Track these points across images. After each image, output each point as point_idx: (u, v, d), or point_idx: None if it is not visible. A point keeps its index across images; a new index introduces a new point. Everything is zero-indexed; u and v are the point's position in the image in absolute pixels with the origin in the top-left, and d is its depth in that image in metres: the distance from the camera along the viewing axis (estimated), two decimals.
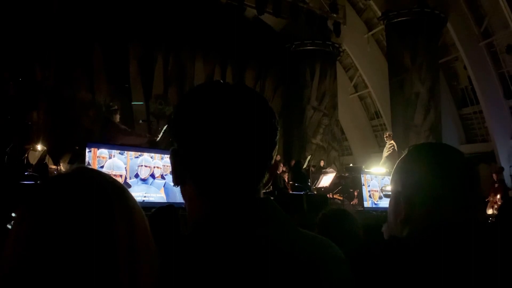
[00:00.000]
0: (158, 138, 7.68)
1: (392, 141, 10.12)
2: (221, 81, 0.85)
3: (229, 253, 0.71)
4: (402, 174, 1.06)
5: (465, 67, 13.67)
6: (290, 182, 10.43)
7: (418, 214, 1.00)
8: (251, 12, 13.16)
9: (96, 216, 0.64)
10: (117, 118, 7.66)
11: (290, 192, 9.59)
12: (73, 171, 0.70)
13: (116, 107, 8.16)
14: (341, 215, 2.28)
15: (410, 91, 12.70)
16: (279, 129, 0.83)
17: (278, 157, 10.64)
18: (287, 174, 10.60)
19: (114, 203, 0.66)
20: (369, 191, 7.61)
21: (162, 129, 7.81)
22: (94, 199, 0.65)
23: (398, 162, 1.09)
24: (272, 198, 0.81)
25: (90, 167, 0.77)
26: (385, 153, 10.07)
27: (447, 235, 0.94)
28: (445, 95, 14.00)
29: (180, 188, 0.83)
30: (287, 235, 0.77)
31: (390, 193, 1.09)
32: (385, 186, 7.21)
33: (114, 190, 0.69)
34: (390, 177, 1.10)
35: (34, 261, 0.61)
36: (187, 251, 0.72)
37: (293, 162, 11.91)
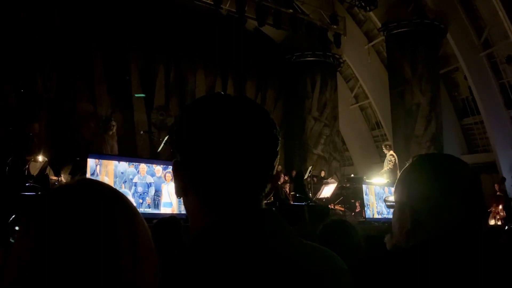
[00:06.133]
0: (159, 149, 7.71)
1: (392, 151, 10.09)
2: (222, 93, 0.86)
3: (231, 264, 0.70)
4: (406, 185, 1.06)
5: (465, 78, 13.71)
6: (292, 193, 10.41)
7: (423, 225, 1.00)
8: (251, 24, 13.26)
9: (98, 227, 0.64)
10: (113, 129, 7.71)
11: (292, 202, 9.56)
12: (75, 182, 0.70)
13: (112, 119, 8.21)
14: (341, 226, 2.27)
15: (411, 101, 12.73)
16: (280, 139, 0.83)
17: (280, 168, 10.63)
18: (288, 184, 10.58)
19: (116, 214, 0.67)
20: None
21: (163, 140, 7.84)
22: (96, 210, 0.65)
23: (402, 173, 1.09)
24: (273, 209, 0.80)
25: (92, 178, 0.77)
26: (386, 165, 10.02)
27: (452, 246, 0.94)
28: (446, 105, 14.02)
29: (183, 199, 0.83)
30: (289, 246, 0.77)
31: (393, 203, 1.09)
32: (388, 197, 7.19)
33: (116, 201, 0.69)
34: (394, 188, 1.10)
35: (37, 272, 0.60)
36: (190, 263, 0.72)
37: (294, 173, 11.89)
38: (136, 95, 11.53)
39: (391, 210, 1.12)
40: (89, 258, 0.62)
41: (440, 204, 0.99)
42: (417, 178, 1.04)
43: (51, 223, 0.63)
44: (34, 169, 7.44)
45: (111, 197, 0.68)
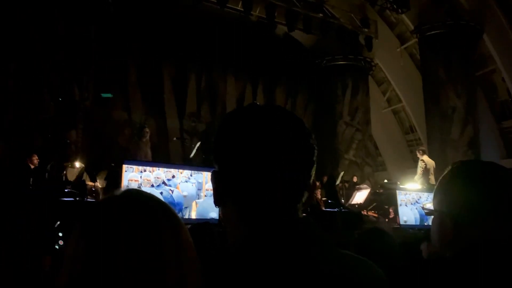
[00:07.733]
0: (192, 155, 7.83)
1: (424, 156, 9.80)
2: (258, 103, 0.87)
3: (270, 273, 0.71)
4: (446, 193, 1.03)
5: (503, 79, 13.25)
6: (323, 199, 10.31)
7: (466, 235, 0.97)
8: (281, 29, 13.28)
9: (145, 235, 0.68)
10: (147, 136, 7.92)
11: (323, 209, 9.47)
12: (122, 194, 0.73)
13: (146, 126, 8.44)
14: (378, 234, 2.23)
15: (446, 105, 12.40)
16: (316, 148, 0.83)
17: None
18: (319, 190, 10.49)
19: (162, 223, 0.70)
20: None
21: (195, 146, 7.95)
22: (142, 220, 0.69)
23: (441, 180, 1.06)
24: (304, 215, 0.80)
25: (139, 189, 0.81)
26: (418, 171, 9.73)
27: (498, 253, 0.91)
28: (483, 108, 13.57)
29: (221, 208, 0.84)
30: (328, 255, 0.77)
31: (431, 211, 1.06)
32: (425, 204, 7.00)
33: (161, 212, 0.72)
34: (433, 195, 1.07)
35: (89, 278, 0.64)
36: (231, 273, 0.73)
37: (325, 178, 11.78)
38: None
39: (430, 217, 1.10)
40: (136, 266, 0.65)
41: (482, 212, 0.96)
42: (458, 186, 1.01)
43: (99, 234, 0.67)
44: (71, 175, 7.71)
45: (156, 208, 0.72)
